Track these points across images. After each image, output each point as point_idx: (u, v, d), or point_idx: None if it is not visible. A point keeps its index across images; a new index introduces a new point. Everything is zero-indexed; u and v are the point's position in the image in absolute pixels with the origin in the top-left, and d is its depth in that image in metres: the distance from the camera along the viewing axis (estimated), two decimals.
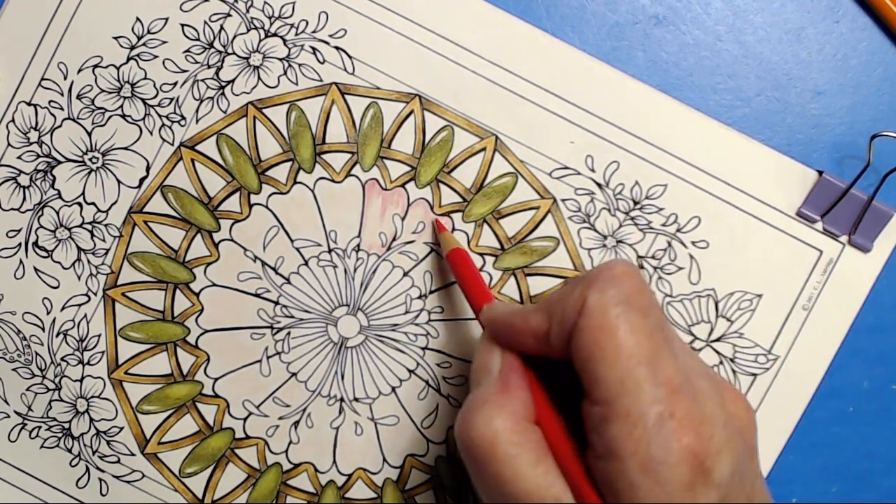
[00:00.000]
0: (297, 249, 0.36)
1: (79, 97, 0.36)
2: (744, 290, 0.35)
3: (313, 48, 0.35)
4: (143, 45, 0.35)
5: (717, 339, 0.36)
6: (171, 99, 0.36)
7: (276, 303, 0.36)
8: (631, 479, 0.24)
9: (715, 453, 0.24)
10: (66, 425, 0.37)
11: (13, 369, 0.36)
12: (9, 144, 0.36)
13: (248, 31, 0.35)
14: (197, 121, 0.36)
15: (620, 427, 0.24)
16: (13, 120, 0.36)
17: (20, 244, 0.36)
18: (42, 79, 0.36)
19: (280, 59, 0.35)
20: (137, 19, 0.35)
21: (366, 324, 0.36)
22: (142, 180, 0.36)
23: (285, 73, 0.35)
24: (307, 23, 0.35)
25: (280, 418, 0.36)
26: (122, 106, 0.36)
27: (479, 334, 0.36)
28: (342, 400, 0.36)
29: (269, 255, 0.36)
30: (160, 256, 0.36)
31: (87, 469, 0.37)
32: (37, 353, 0.36)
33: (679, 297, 0.35)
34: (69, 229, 0.36)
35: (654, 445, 0.23)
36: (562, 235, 0.36)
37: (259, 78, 0.35)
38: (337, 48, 0.35)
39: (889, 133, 0.34)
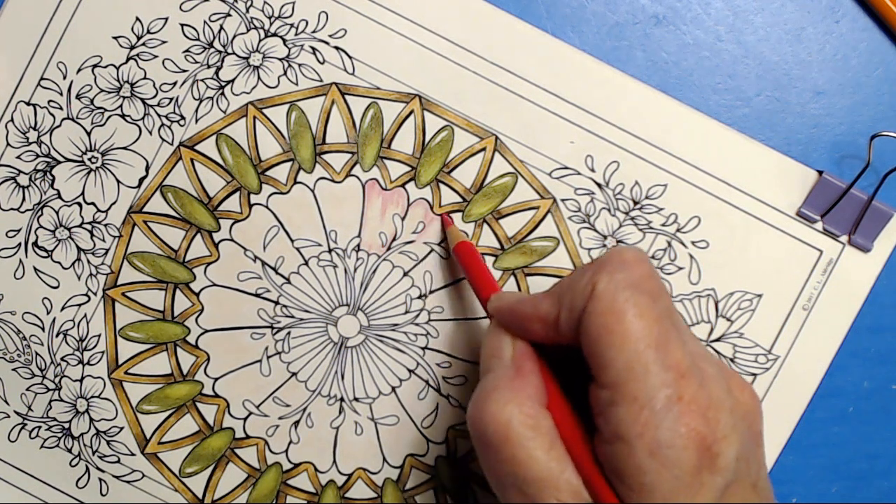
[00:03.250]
0: (298, 249, 0.36)
1: (78, 97, 0.36)
2: (744, 290, 0.35)
3: (313, 48, 0.35)
4: (143, 44, 0.35)
5: (717, 339, 0.36)
6: (171, 99, 0.36)
7: (276, 303, 0.36)
8: (638, 462, 0.24)
9: (721, 438, 0.24)
10: (66, 425, 0.37)
11: (13, 369, 0.36)
12: (8, 144, 0.36)
13: (248, 30, 0.35)
14: (196, 120, 0.36)
15: (628, 410, 0.24)
16: (12, 119, 0.36)
17: (20, 244, 0.36)
18: (41, 78, 0.36)
19: (280, 59, 0.35)
20: (137, 19, 0.35)
21: (366, 324, 0.36)
22: (141, 180, 0.36)
23: (285, 73, 0.35)
24: (307, 23, 0.35)
25: (280, 418, 0.36)
26: (121, 106, 0.36)
27: (481, 334, 0.36)
28: (342, 400, 0.36)
29: (269, 255, 0.36)
30: (160, 256, 0.36)
31: (87, 469, 0.37)
32: (37, 353, 0.36)
33: (679, 297, 0.35)
34: (69, 229, 0.36)
35: (661, 429, 0.24)
36: (562, 235, 0.36)
37: (259, 78, 0.35)
38: (337, 48, 0.35)
39: (889, 133, 0.34)
